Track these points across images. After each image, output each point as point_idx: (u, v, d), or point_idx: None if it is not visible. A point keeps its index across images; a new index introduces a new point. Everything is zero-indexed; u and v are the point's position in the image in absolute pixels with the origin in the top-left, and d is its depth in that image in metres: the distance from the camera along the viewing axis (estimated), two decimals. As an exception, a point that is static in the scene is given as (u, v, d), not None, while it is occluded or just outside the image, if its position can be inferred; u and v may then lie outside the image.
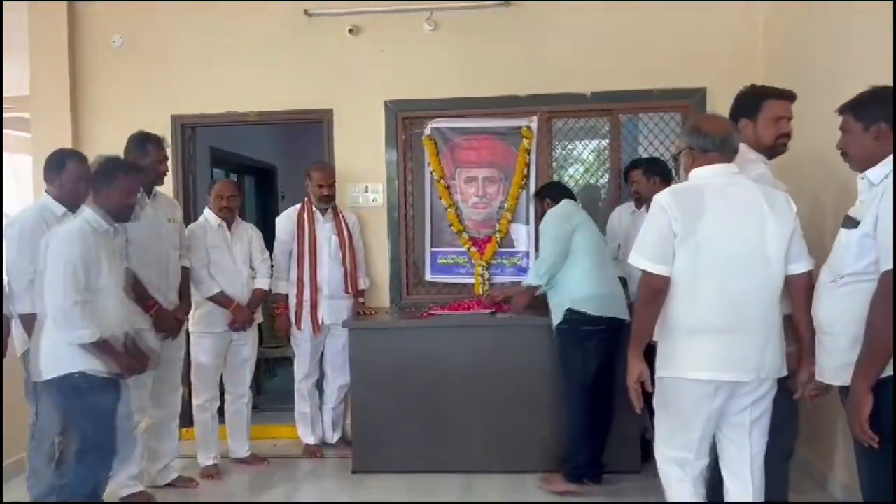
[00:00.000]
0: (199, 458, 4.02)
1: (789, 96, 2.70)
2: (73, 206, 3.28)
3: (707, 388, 2.34)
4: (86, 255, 2.85)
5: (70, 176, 3.26)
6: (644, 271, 2.37)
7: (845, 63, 3.25)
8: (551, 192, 3.93)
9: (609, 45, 4.50)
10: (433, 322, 4.03)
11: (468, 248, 4.66)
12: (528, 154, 4.58)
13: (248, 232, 4.20)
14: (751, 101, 2.70)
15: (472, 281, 4.63)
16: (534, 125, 4.59)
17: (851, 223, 2.11)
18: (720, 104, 4.34)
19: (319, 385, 4.46)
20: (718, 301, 2.31)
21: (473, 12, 4.57)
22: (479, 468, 3.88)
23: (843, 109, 2.23)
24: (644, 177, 3.92)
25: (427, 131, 4.68)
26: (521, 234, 4.64)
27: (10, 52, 4.79)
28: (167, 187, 4.04)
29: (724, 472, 2.52)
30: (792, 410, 2.58)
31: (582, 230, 3.65)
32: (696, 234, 2.29)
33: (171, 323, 3.61)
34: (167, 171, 3.72)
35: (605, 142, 4.65)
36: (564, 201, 3.80)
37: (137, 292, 3.46)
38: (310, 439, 4.35)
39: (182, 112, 4.73)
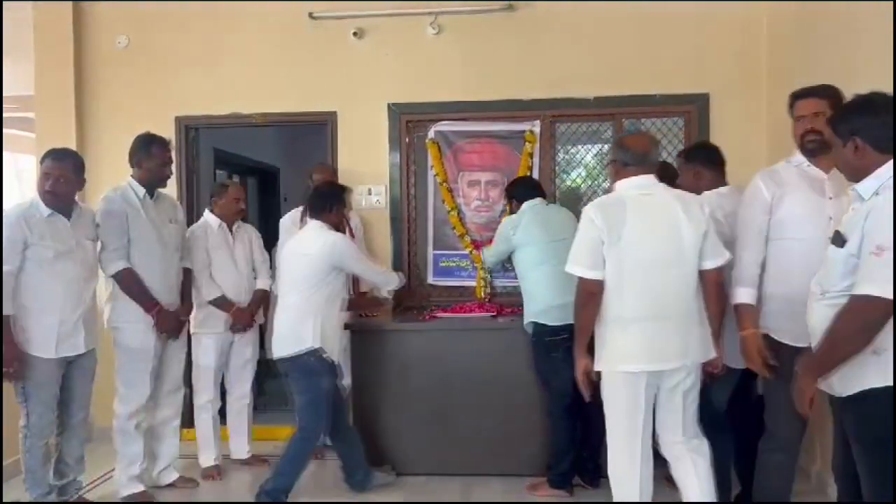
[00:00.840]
0: (200, 459, 4.04)
1: (810, 93, 2.71)
2: (54, 206, 3.26)
3: (635, 378, 2.60)
4: None
5: (41, 174, 3.25)
6: (579, 277, 2.65)
7: (849, 66, 3.25)
8: (517, 192, 3.88)
9: (612, 50, 4.51)
10: (435, 324, 4.04)
11: (470, 251, 4.67)
12: (531, 158, 4.59)
13: (249, 233, 4.22)
14: (789, 105, 2.79)
15: (473, 284, 4.63)
16: (537, 129, 4.60)
17: (839, 241, 2.10)
18: (723, 109, 4.39)
19: (321, 386, 4.46)
20: (641, 298, 2.59)
21: (477, 16, 4.59)
22: (479, 471, 3.89)
23: (827, 123, 2.26)
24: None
25: (430, 134, 4.69)
26: (523, 238, 4.64)
27: (15, 51, 4.81)
28: (170, 188, 4.04)
29: (671, 464, 2.74)
30: (778, 404, 2.66)
31: (534, 244, 3.60)
32: (619, 241, 2.58)
33: (172, 324, 3.62)
34: (171, 173, 3.73)
35: (607, 146, 4.65)
36: (523, 208, 3.75)
37: (137, 293, 3.49)
38: (311, 441, 4.35)
39: (186, 113, 4.75)
